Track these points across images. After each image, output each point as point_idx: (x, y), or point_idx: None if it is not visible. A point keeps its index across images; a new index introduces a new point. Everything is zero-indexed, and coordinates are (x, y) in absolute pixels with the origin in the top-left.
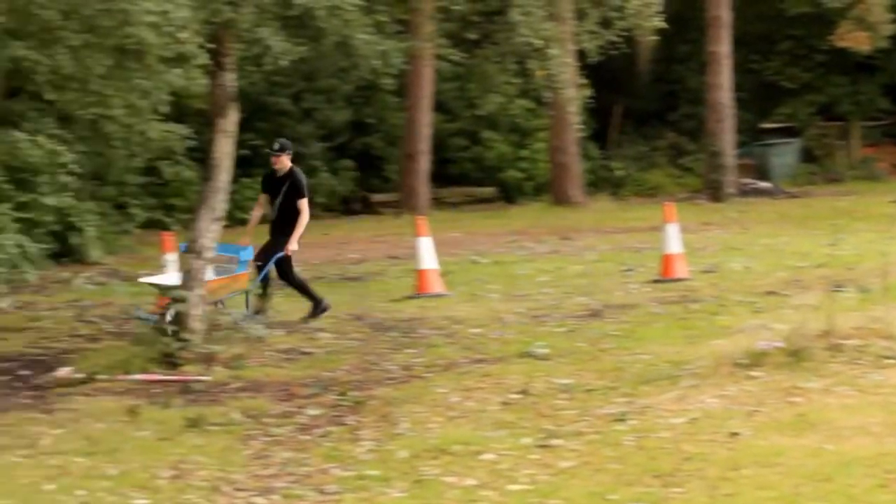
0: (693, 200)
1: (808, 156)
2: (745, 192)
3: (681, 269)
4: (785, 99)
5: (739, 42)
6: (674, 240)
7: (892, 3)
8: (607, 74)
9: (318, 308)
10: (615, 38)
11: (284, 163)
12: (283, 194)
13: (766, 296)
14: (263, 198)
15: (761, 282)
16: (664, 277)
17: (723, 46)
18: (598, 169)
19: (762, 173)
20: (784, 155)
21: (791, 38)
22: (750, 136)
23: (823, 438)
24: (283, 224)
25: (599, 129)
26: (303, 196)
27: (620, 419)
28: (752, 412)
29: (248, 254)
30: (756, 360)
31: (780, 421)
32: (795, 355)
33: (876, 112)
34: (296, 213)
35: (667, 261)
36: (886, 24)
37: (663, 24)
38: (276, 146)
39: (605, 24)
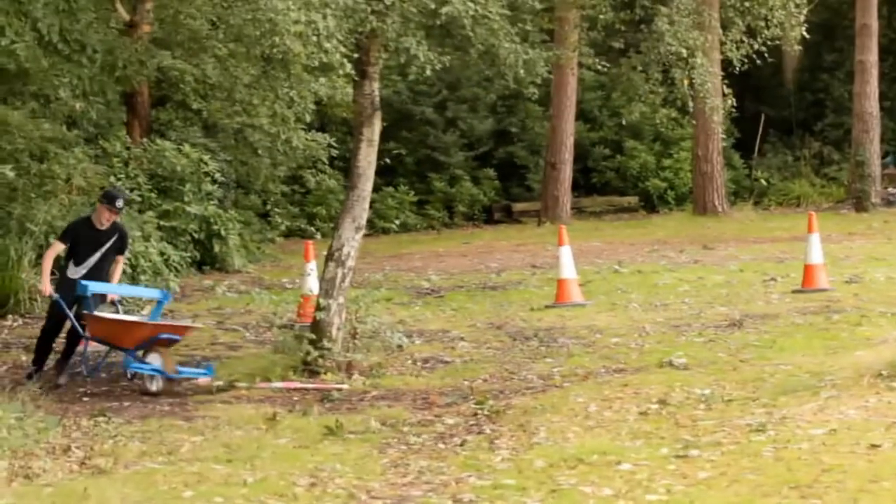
0: (837, 210)
1: None
2: (891, 203)
3: (823, 280)
4: None
5: (887, 51)
6: (816, 250)
7: None
8: (753, 83)
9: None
10: (761, 48)
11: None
12: (106, 249)
13: None
14: (62, 248)
15: None
16: (806, 288)
17: (871, 55)
18: (742, 179)
19: None
20: None
21: None
22: (895, 146)
23: None
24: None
25: (743, 138)
26: (123, 254)
27: (759, 430)
28: (892, 424)
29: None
30: None
31: None
32: None
33: None
34: (110, 270)
35: (809, 271)
36: None
37: (808, 34)
38: (121, 203)
39: (751, 33)
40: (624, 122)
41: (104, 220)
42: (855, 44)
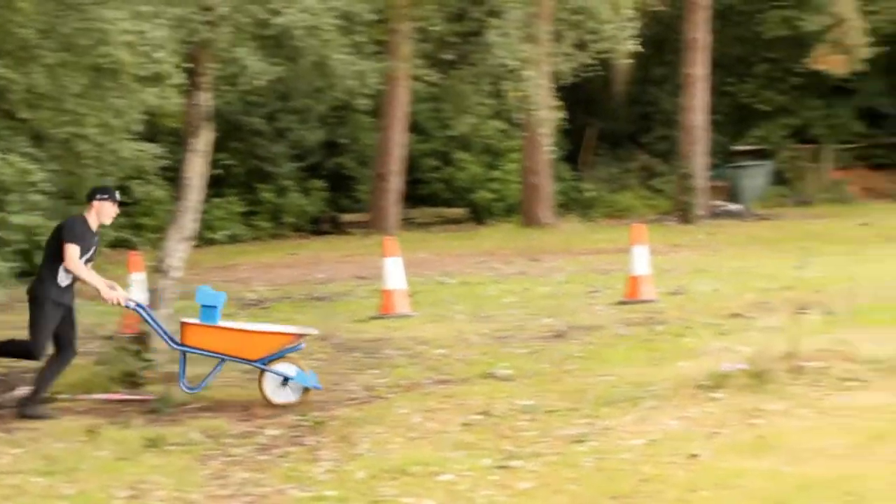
0: (663, 222)
1: (779, 178)
2: (716, 215)
3: (647, 291)
4: (759, 122)
5: (715, 64)
6: (641, 261)
7: (869, 27)
8: (582, 96)
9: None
10: (590, 61)
11: None
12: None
13: (732, 318)
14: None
15: (728, 304)
16: (630, 299)
17: (699, 69)
18: (570, 190)
19: (733, 195)
20: (755, 177)
21: (767, 60)
22: (722, 158)
23: (783, 461)
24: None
25: (572, 150)
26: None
27: (580, 440)
28: (712, 434)
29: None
30: (718, 382)
31: (739, 443)
32: (758, 377)
33: (849, 136)
34: None
35: (633, 282)
36: (863, 48)
37: (638, 47)
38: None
39: (581, 46)
40: (453, 134)
41: (108, 219)
42: (683, 57)
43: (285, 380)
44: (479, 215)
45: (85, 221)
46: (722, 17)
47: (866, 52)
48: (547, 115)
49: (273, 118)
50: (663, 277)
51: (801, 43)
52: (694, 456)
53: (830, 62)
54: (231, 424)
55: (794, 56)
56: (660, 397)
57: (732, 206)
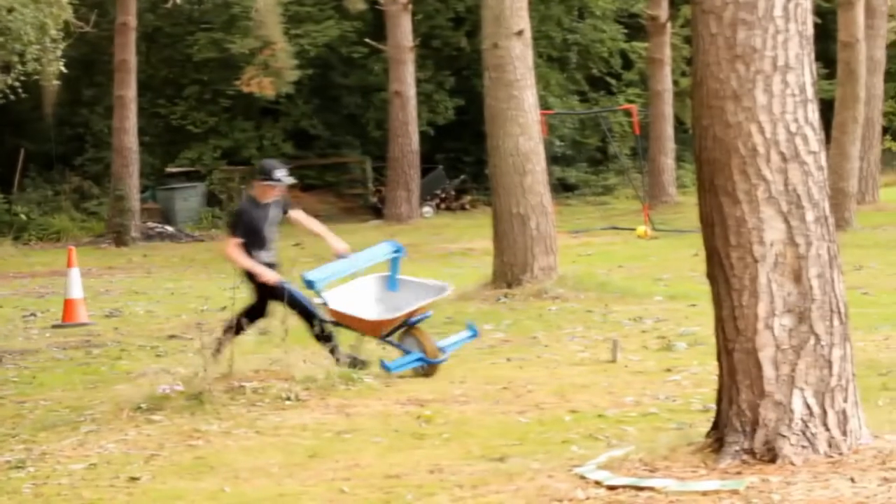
0: (98, 245)
1: (212, 199)
2: (150, 237)
3: (83, 314)
4: (191, 143)
5: (147, 86)
6: (75, 284)
7: (297, 51)
8: (12, 118)
9: None
10: (15, 83)
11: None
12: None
13: (169, 339)
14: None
15: (164, 325)
16: (66, 322)
17: (129, 90)
18: (2, 214)
19: (167, 217)
20: (188, 199)
21: (198, 82)
22: (155, 180)
23: (223, 481)
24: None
25: (3, 173)
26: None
27: (18, 466)
28: (151, 456)
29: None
30: (156, 404)
31: (179, 464)
32: (195, 398)
33: (280, 157)
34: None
35: (68, 305)
36: (291, 71)
37: (67, 69)
38: (281, 174)
39: (6, 68)
40: None
41: (268, 196)
42: (114, 79)
43: None
44: None
45: (251, 202)
46: (150, 39)
47: (294, 75)
48: None
49: None
50: (99, 300)
51: (231, 65)
52: (134, 479)
53: (259, 85)
54: None
55: (224, 78)
56: (98, 421)
57: (167, 228)
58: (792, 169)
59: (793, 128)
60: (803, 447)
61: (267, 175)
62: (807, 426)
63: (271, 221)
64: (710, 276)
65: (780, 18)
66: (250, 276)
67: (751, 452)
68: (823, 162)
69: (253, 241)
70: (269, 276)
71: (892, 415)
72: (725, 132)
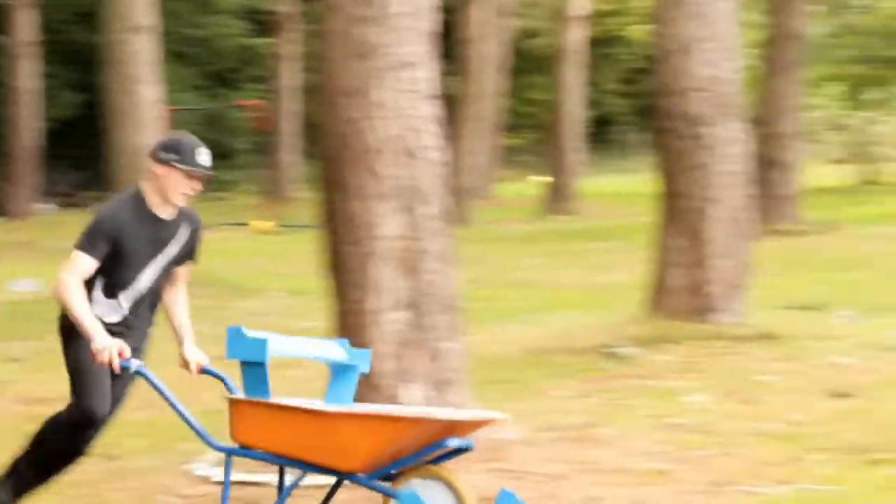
0: None
1: None
2: None
3: None
4: None
5: None
6: None
7: None
8: None
9: None
10: None
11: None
12: (169, 258)
13: None
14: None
15: None
16: None
17: None
18: None
19: None
20: None
21: None
22: None
23: None
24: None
25: None
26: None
27: None
28: None
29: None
30: None
31: None
32: None
33: None
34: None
35: None
36: None
37: None
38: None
39: None
40: None
41: (179, 199)
42: None
43: None
44: None
45: (132, 205)
46: None
47: None
48: None
49: None
50: None
51: None
52: None
53: None
54: None
55: None
56: None
57: None
58: (409, 165)
59: (411, 124)
60: None
61: (181, 155)
62: None
63: (161, 252)
64: (328, 270)
65: (397, 15)
66: (69, 340)
67: None
68: (442, 158)
69: (113, 277)
70: (103, 341)
71: (503, 407)
72: (343, 128)
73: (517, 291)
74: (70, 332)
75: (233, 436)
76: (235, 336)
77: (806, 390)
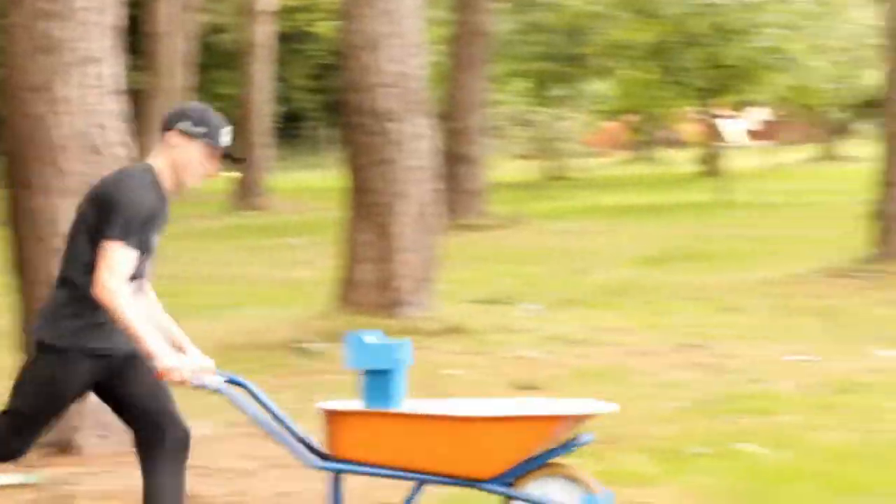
0: None
1: None
2: None
3: None
4: None
5: None
6: None
7: None
8: None
9: None
10: None
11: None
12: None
13: None
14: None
15: None
16: None
17: None
18: None
19: None
20: None
21: None
22: None
23: None
24: None
25: None
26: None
27: None
28: None
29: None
30: None
31: None
32: None
33: None
34: None
35: None
36: None
37: None
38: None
39: None
40: None
41: (195, 179)
42: None
43: None
44: None
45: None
46: None
47: None
48: None
49: None
50: None
51: None
52: None
53: None
54: None
55: None
56: None
57: None
58: (95, 161)
59: (97, 120)
60: (100, 438)
61: (210, 129)
62: (98, 419)
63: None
64: (13, 268)
65: (82, 10)
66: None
67: (55, 445)
68: (128, 154)
69: None
70: (173, 361)
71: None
72: (29, 124)
73: (208, 287)
74: (46, 352)
75: (336, 451)
76: (357, 344)
77: (492, 383)
